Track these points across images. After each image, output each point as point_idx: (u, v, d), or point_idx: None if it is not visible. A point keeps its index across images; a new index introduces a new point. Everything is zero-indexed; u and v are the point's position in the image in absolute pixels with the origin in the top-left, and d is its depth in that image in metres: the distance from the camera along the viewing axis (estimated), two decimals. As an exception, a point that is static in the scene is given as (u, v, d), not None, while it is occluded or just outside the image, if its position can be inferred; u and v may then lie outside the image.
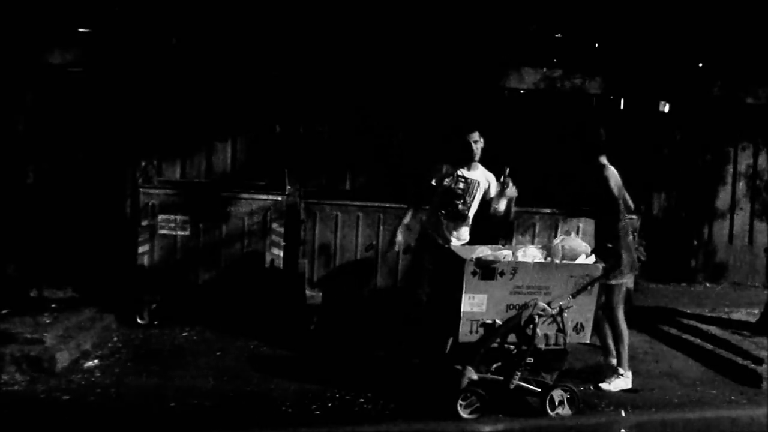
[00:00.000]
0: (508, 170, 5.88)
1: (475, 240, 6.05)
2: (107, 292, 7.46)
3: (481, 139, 6.07)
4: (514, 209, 6.08)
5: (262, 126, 8.99)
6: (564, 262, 5.39)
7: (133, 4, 8.59)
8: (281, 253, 7.32)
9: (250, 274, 7.28)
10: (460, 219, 6.03)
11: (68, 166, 8.65)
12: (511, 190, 5.90)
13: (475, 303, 5.17)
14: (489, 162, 6.25)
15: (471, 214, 6.07)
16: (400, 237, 6.22)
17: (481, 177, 6.09)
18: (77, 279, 7.88)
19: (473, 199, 6.03)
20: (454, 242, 6.00)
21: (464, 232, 6.09)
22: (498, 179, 5.99)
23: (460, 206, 6.01)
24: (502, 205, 5.97)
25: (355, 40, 8.85)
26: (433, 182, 6.12)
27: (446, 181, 6.06)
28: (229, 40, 8.74)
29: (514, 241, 7.35)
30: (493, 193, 6.06)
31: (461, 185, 6.02)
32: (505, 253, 5.45)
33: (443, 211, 6.03)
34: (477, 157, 6.07)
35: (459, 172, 6.06)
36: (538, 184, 8.93)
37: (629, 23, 9.31)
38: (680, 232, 9.93)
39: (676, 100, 9.81)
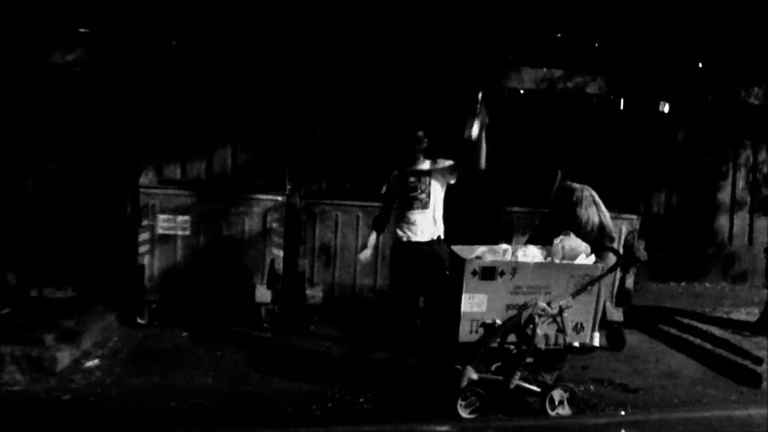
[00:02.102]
0: (481, 95, 5.90)
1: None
2: (107, 293, 7.47)
3: (425, 139, 6.18)
4: (484, 136, 6.00)
5: (262, 126, 8.98)
6: (564, 262, 5.39)
7: (134, 5, 8.59)
8: (281, 253, 7.32)
9: (249, 275, 7.28)
10: (425, 208, 6.05)
11: (68, 166, 8.65)
12: (484, 116, 5.89)
13: (475, 303, 5.18)
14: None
15: (434, 202, 6.09)
16: (368, 254, 6.33)
17: (427, 166, 6.17)
18: (77, 279, 7.89)
19: (429, 186, 6.05)
20: (428, 235, 6.03)
21: (438, 224, 6.12)
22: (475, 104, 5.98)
23: (419, 195, 6.05)
24: (475, 130, 5.93)
25: (355, 40, 8.85)
26: (384, 190, 6.24)
27: (398, 183, 6.14)
28: (229, 40, 8.74)
29: (514, 241, 7.35)
30: (445, 162, 6.13)
31: (412, 178, 6.09)
32: (504, 248, 5.44)
33: (407, 208, 6.07)
34: (418, 154, 6.15)
35: (406, 170, 6.15)
36: (539, 183, 8.94)
37: (629, 23, 9.31)
38: (680, 232, 9.93)
39: (676, 100, 9.82)
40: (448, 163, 6.11)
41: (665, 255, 9.35)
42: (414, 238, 6.05)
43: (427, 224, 6.05)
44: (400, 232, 6.10)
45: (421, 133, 6.18)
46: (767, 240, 9.98)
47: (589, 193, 6.57)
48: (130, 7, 8.58)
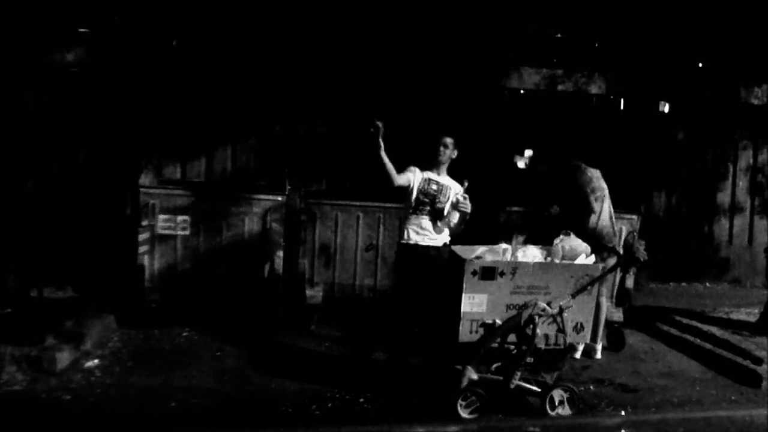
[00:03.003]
0: (466, 185, 6.00)
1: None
2: (107, 293, 7.47)
3: (452, 148, 6.14)
4: (461, 225, 6.13)
5: (262, 126, 8.98)
6: (564, 262, 5.39)
7: (134, 5, 8.59)
8: (281, 253, 7.32)
9: (250, 274, 7.28)
10: (438, 217, 6.05)
11: (68, 166, 8.65)
12: (465, 206, 5.98)
13: (475, 303, 5.17)
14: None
15: (446, 212, 6.08)
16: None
17: (450, 183, 6.17)
18: (77, 279, 7.89)
19: (447, 200, 6.06)
20: (436, 241, 6.05)
21: (444, 232, 6.11)
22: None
23: (436, 205, 6.05)
24: (455, 218, 6.08)
25: (355, 40, 8.85)
26: (409, 182, 6.09)
27: (418, 183, 6.10)
28: (229, 40, 8.74)
29: (514, 241, 7.35)
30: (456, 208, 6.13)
31: (434, 186, 6.08)
32: (504, 248, 5.44)
33: (421, 213, 6.07)
34: (442, 159, 6.12)
35: (429, 176, 6.12)
36: (539, 183, 8.96)
37: (629, 23, 9.31)
38: (680, 232, 9.93)
39: (676, 100, 9.82)
40: (458, 210, 6.09)
41: (665, 255, 9.35)
42: (422, 242, 6.06)
43: (438, 231, 6.07)
44: (408, 235, 6.10)
45: (449, 140, 6.13)
46: (767, 240, 9.99)
47: (605, 187, 6.58)
48: (130, 7, 8.58)
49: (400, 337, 6.24)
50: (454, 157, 6.18)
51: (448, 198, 6.08)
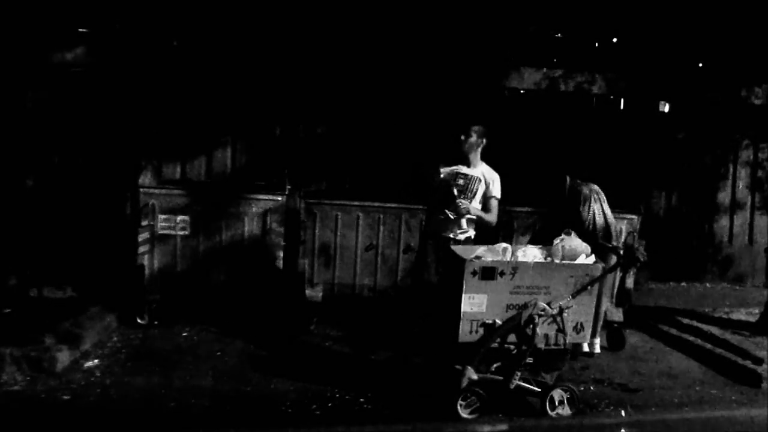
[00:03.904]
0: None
1: (475, 240, 6.06)
2: (107, 293, 7.47)
3: (476, 137, 6.11)
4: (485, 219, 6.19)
5: (262, 126, 8.98)
6: (564, 262, 5.38)
7: (134, 5, 8.59)
8: (281, 253, 7.32)
9: (249, 274, 7.28)
10: (461, 214, 6.04)
11: (68, 166, 8.65)
12: (465, 207, 6.04)
13: (475, 303, 5.17)
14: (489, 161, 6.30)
15: (473, 209, 6.08)
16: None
17: (480, 174, 6.12)
18: (77, 279, 7.88)
19: (474, 195, 6.04)
20: (459, 237, 6.03)
21: (469, 228, 6.11)
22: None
23: (462, 198, 6.03)
24: (464, 219, 6.11)
25: (355, 40, 8.85)
26: (435, 184, 6.14)
27: (445, 178, 6.08)
28: (230, 41, 8.74)
29: (513, 241, 7.35)
30: (494, 192, 6.11)
31: (460, 181, 6.07)
32: (504, 248, 5.44)
33: (448, 206, 6.05)
34: (465, 147, 6.11)
35: (458, 169, 6.10)
36: (538, 183, 8.94)
37: (629, 23, 9.31)
38: (680, 232, 9.93)
39: (676, 100, 9.81)
40: (496, 189, 6.13)
41: (665, 255, 9.35)
42: (444, 235, 6.06)
43: (463, 224, 6.06)
44: (433, 227, 6.09)
45: (473, 128, 6.10)
46: (767, 240, 9.99)
47: (594, 190, 6.59)
48: (130, 7, 8.58)
49: (401, 337, 6.24)
50: (482, 145, 6.15)
51: (475, 192, 6.06)
